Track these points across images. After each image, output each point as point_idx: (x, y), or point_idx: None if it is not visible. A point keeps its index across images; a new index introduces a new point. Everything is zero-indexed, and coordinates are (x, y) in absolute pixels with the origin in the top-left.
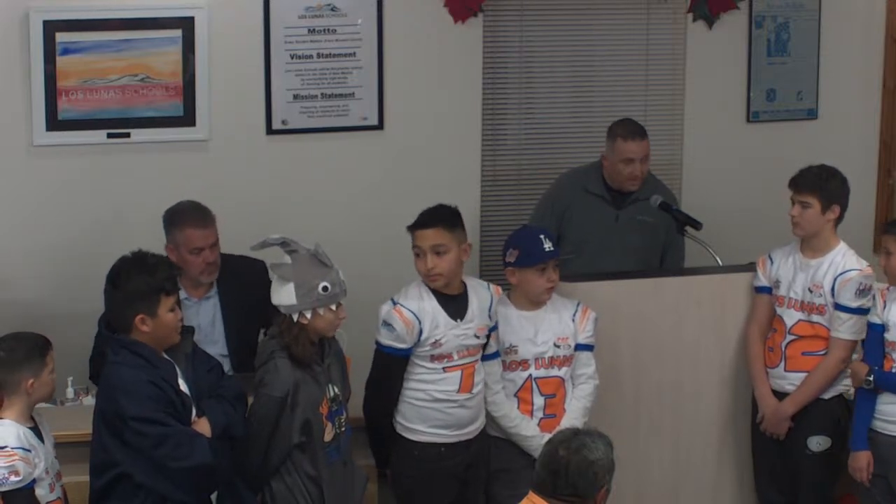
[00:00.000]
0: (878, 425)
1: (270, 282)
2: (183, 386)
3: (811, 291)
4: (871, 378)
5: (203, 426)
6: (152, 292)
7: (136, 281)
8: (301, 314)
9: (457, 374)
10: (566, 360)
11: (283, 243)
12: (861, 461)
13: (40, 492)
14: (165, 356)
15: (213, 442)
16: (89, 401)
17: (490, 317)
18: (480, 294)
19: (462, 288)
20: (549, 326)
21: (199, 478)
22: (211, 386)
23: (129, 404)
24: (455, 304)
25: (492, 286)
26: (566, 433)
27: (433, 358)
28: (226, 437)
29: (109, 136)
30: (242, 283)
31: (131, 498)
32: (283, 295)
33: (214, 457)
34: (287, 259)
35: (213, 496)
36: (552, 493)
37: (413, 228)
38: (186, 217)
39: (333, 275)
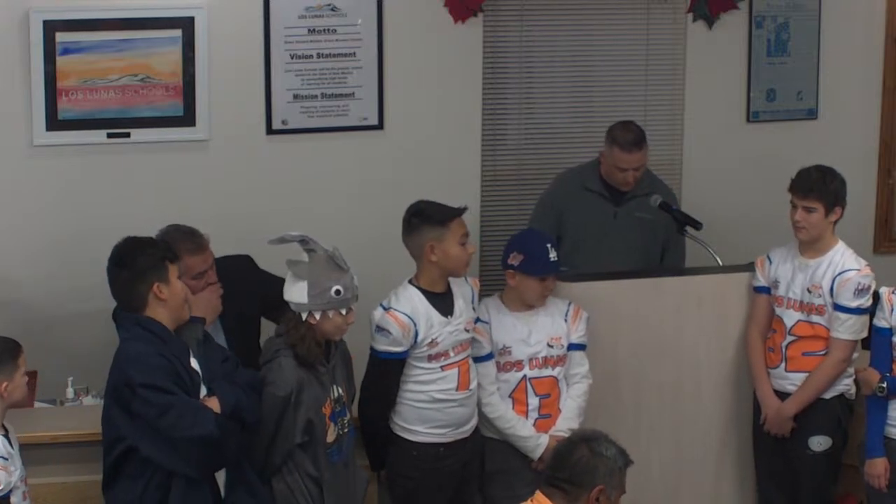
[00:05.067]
0: (892, 432)
1: (256, 270)
2: (194, 363)
3: (810, 292)
4: (885, 385)
5: (213, 403)
6: (159, 261)
7: (142, 256)
8: (310, 314)
9: (454, 371)
10: (560, 360)
11: (303, 241)
12: (878, 468)
13: (14, 500)
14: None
15: (221, 418)
16: (89, 401)
17: (474, 309)
18: (463, 289)
19: (447, 285)
20: (541, 327)
21: (203, 449)
22: (226, 374)
23: (137, 373)
24: (443, 302)
25: (469, 279)
26: (589, 430)
27: (430, 358)
28: (235, 417)
29: (109, 136)
30: (229, 281)
31: (139, 476)
32: (295, 292)
33: (220, 431)
34: (304, 257)
35: (223, 484)
36: (549, 477)
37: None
38: (179, 246)
39: (347, 279)
